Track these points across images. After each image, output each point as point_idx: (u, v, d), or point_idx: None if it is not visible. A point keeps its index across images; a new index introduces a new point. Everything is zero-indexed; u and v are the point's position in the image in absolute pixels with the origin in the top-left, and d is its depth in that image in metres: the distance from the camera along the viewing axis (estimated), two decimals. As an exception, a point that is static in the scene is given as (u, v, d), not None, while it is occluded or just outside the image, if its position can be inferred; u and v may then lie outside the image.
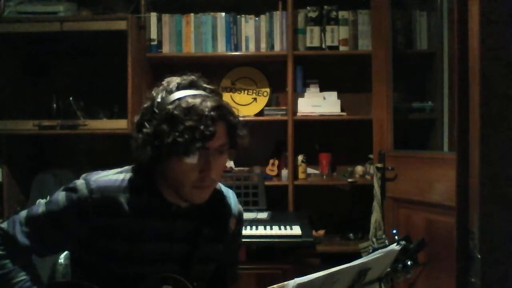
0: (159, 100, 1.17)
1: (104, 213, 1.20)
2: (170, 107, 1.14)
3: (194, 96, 1.17)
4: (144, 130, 1.16)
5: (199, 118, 1.12)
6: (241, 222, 1.44)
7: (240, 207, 1.44)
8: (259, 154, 3.17)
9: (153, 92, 1.22)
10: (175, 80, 1.22)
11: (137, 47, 2.88)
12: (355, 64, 3.11)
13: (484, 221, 1.66)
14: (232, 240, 1.40)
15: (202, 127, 1.12)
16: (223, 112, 1.18)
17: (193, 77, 1.23)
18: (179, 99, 1.16)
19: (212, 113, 1.13)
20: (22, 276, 1.22)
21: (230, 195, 1.41)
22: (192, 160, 1.15)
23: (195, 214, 1.28)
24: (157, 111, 1.16)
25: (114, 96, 2.90)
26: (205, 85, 1.22)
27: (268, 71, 3.23)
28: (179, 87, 1.19)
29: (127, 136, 2.94)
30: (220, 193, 1.38)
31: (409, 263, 1.35)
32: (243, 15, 3.07)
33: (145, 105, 1.21)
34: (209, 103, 1.15)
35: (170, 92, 1.18)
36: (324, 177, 3.11)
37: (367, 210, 2.69)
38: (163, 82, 1.23)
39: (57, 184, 2.85)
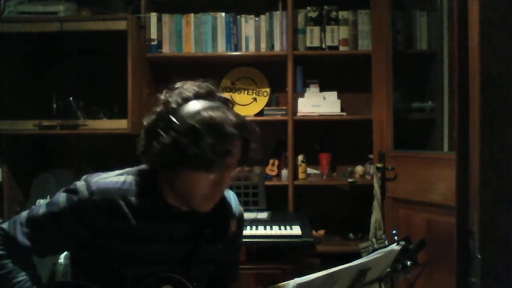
0: (174, 106, 1.15)
1: (104, 215, 1.20)
2: (191, 120, 1.12)
3: (214, 109, 1.15)
4: (162, 139, 1.13)
5: (222, 135, 1.12)
6: (241, 224, 1.44)
7: (241, 208, 1.44)
8: (259, 154, 3.17)
9: (166, 95, 1.19)
10: (190, 87, 1.19)
11: (137, 47, 2.89)
12: (355, 64, 3.11)
13: (484, 221, 1.66)
14: (233, 241, 1.40)
15: (224, 145, 1.12)
16: (244, 129, 1.17)
17: (208, 85, 1.21)
18: (199, 112, 1.13)
19: (234, 130, 1.13)
20: (22, 276, 1.22)
21: (231, 197, 1.41)
22: (210, 176, 1.16)
23: (196, 216, 1.28)
24: (176, 121, 1.13)
25: (114, 96, 2.90)
26: (220, 95, 1.21)
27: (268, 71, 3.23)
28: (197, 96, 1.17)
29: (127, 136, 2.95)
30: None
31: (408, 263, 1.36)
32: (243, 15, 3.07)
33: (158, 109, 1.18)
34: (230, 119, 1.13)
35: (187, 100, 1.16)
36: (324, 177, 3.11)
37: (367, 210, 2.69)
38: (177, 87, 1.20)
39: (57, 184, 2.85)
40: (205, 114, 1.13)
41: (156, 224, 1.24)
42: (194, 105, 1.15)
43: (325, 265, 1.12)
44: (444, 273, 2.16)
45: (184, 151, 1.11)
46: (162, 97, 1.20)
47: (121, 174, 1.27)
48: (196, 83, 1.21)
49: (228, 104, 1.22)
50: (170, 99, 1.17)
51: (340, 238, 2.98)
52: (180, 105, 1.15)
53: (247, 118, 1.24)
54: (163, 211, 1.25)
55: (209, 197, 1.21)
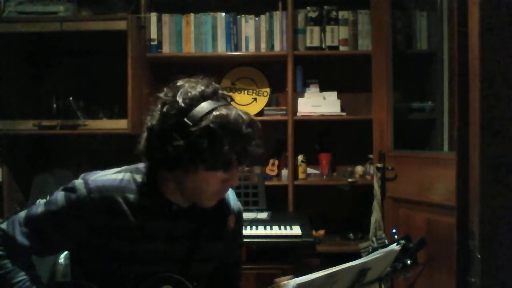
0: (183, 106, 1.13)
1: (103, 213, 1.20)
2: (205, 122, 1.11)
3: (225, 108, 1.15)
4: (176, 142, 1.12)
5: (239, 135, 1.13)
6: (240, 220, 1.44)
7: (239, 204, 1.44)
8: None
9: (169, 94, 1.17)
10: (196, 86, 1.18)
11: (137, 47, 2.88)
12: (355, 64, 3.11)
13: (484, 221, 1.66)
14: (232, 238, 1.40)
15: (242, 144, 1.14)
16: (255, 127, 1.18)
17: (212, 82, 1.21)
18: (210, 112, 1.13)
19: (249, 129, 1.15)
20: (22, 276, 1.22)
21: (229, 193, 1.41)
22: (224, 174, 1.18)
23: (195, 213, 1.28)
24: (189, 122, 1.12)
25: (114, 96, 2.90)
26: (222, 92, 1.21)
27: (268, 71, 3.23)
28: (204, 96, 1.16)
29: (127, 136, 2.94)
30: None
31: (408, 262, 1.36)
32: (243, 15, 3.07)
33: (165, 110, 1.15)
34: (243, 118, 1.15)
35: (196, 100, 1.15)
36: (324, 177, 3.11)
37: (367, 210, 2.69)
38: (179, 85, 1.19)
39: (57, 184, 2.84)
40: (218, 114, 1.13)
41: (155, 221, 1.24)
42: (205, 106, 1.14)
43: (325, 265, 1.12)
44: (444, 273, 2.16)
45: (203, 153, 1.12)
46: (165, 96, 1.18)
47: (119, 172, 1.27)
48: (199, 81, 1.20)
49: (229, 100, 1.22)
50: (178, 99, 1.15)
51: (340, 238, 2.98)
52: (189, 105, 1.14)
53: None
54: (163, 209, 1.25)
55: (218, 193, 1.23)
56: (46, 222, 1.23)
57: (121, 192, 1.22)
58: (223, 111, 1.14)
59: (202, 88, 1.17)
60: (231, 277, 1.46)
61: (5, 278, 1.21)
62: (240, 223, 1.45)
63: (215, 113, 1.13)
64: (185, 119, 1.12)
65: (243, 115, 1.16)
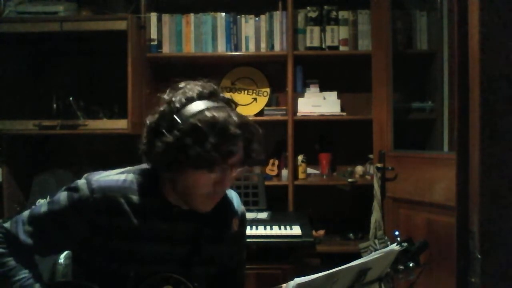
0: (177, 105, 1.15)
1: (105, 213, 1.20)
2: (194, 120, 1.13)
3: (217, 109, 1.15)
4: (165, 139, 1.14)
5: (225, 135, 1.13)
6: (243, 223, 1.44)
7: (243, 208, 1.44)
8: (259, 154, 3.17)
9: (169, 95, 1.20)
10: (194, 87, 1.19)
11: (137, 47, 2.88)
12: (355, 64, 3.11)
13: (484, 221, 1.66)
14: (235, 241, 1.40)
15: (227, 145, 1.13)
16: (247, 130, 1.17)
17: (212, 85, 1.22)
18: (201, 111, 1.14)
19: (237, 131, 1.14)
20: (24, 274, 1.22)
21: (233, 196, 1.42)
22: (212, 175, 1.17)
23: (197, 215, 1.28)
24: (179, 120, 1.14)
25: (114, 96, 2.90)
26: (223, 95, 1.22)
27: (268, 71, 3.23)
28: (200, 97, 1.18)
29: (127, 136, 2.95)
30: None
31: (411, 264, 1.35)
32: (243, 15, 3.07)
33: (162, 109, 1.18)
34: (233, 120, 1.14)
35: (191, 100, 1.17)
36: (324, 177, 3.11)
37: (367, 210, 2.69)
38: (181, 86, 1.21)
39: (57, 184, 2.85)
40: (208, 114, 1.14)
41: (157, 223, 1.25)
42: (198, 105, 1.16)
43: (325, 265, 1.12)
44: (444, 273, 2.16)
45: (187, 150, 1.12)
46: (166, 96, 1.20)
47: (122, 173, 1.28)
48: (200, 83, 1.21)
49: (231, 104, 1.23)
50: (173, 99, 1.17)
51: (340, 238, 2.98)
52: (183, 105, 1.16)
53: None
54: (164, 210, 1.25)
55: (210, 196, 1.22)
56: (49, 222, 1.23)
57: (124, 193, 1.23)
58: (214, 111, 1.14)
59: (200, 89, 1.19)
60: (235, 280, 1.46)
61: (8, 275, 1.22)
62: (244, 226, 1.45)
63: (206, 112, 1.14)
64: (176, 117, 1.14)
65: (234, 117, 1.15)
